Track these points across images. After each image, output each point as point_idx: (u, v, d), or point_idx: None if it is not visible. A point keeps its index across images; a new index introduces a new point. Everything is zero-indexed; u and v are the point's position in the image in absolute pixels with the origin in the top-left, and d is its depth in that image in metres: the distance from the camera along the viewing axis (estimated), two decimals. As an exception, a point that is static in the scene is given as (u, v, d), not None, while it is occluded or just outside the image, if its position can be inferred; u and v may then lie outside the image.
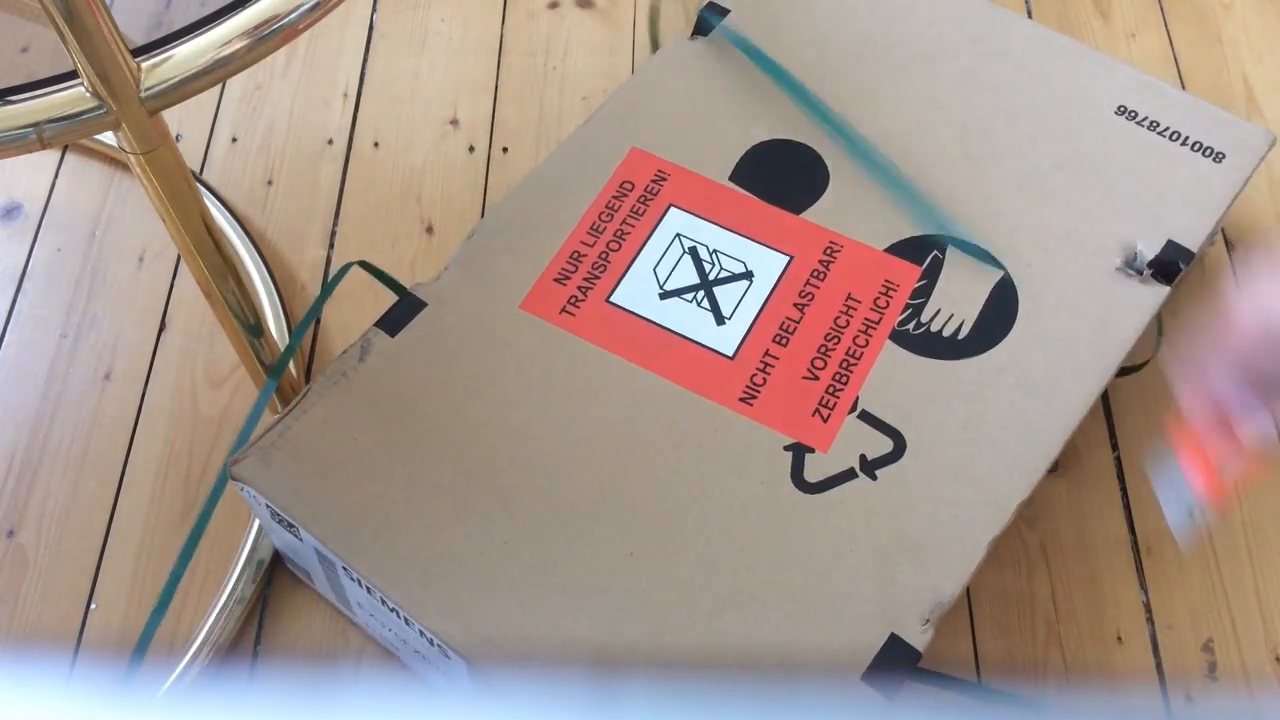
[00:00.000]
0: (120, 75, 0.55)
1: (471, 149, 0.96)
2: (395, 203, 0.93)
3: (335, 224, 0.93)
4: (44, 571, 0.78)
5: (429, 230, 0.92)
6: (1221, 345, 0.48)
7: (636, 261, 0.74)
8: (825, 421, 0.68)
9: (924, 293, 0.73)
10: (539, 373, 0.70)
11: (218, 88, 0.99)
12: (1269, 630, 0.75)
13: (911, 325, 0.72)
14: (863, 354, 0.71)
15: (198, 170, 0.96)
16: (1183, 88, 0.97)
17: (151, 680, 0.73)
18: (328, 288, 0.76)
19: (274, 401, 0.81)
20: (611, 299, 0.73)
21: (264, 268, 0.89)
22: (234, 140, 0.97)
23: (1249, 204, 0.91)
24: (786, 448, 0.68)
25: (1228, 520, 0.79)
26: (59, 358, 0.86)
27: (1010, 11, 0.85)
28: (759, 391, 0.69)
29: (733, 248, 0.75)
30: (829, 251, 0.74)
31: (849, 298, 0.73)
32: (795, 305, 0.72)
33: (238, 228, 0.91)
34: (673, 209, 0.76)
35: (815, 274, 0.74)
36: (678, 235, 0.75)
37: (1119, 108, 0.80)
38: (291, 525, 0.66)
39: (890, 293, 0.73)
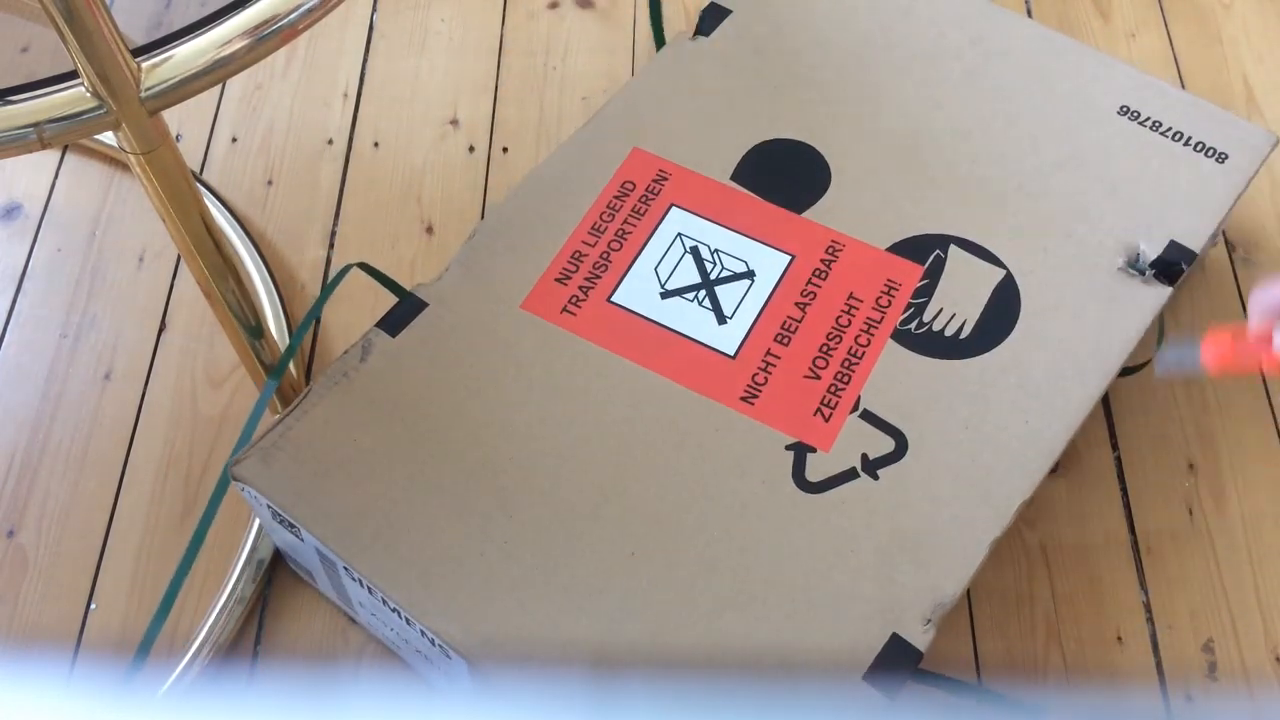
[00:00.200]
0: (120, 75, 0.55)
1: (471, 149, 0.96)
2: (395, 203, 0.93)
3: (335, 224, 0.93)
4: (44, 571, 0.78)
5: (429, 230, 0.92)
6: None
7: (638, 261, 0.74)
8: (827, 421, 0.68)
9: (926, 292, 0.73)
10: (540, 373, 0.70)
11: (218, 88, 0.99)
12: (1269, 630, 0.75)
13: (913, 325, 0.72)
14: (864, 353, 0.71)
15: (198, 170, 0.95)
16: (1183, 88, 0.97)
17: (151, 680, 0.73)
18: (328, 289, 0.76)
19: (274, 402, 0.81)
20: (613, 299, 0.73)
21: (264, 268, 0.89)
22: (234, 140, 0.97)
23: (1250, 205, 0.91)
24: (788, 447, 0.68)
25: (1225, 518, 0.79)
26: (59, 358, 0.86)
27: (1010, 11, 0.85)
28: (760, 391, 0.69)
29: (734, 247, 0.75)
30: (831, 251, 0.74)
31: (851, 297, 0.73)
32: (797, 305, 0.72)
33: (238, 228, 0.91)
34: (674, 209, 0.76)
35: (817, 273, 0.73)
36: (679, 235, 0.75)
37: (1121, 108, 0.80)
38: (293, 525, 0.66)
39: (892, 292, 0.73)
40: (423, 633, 0.63)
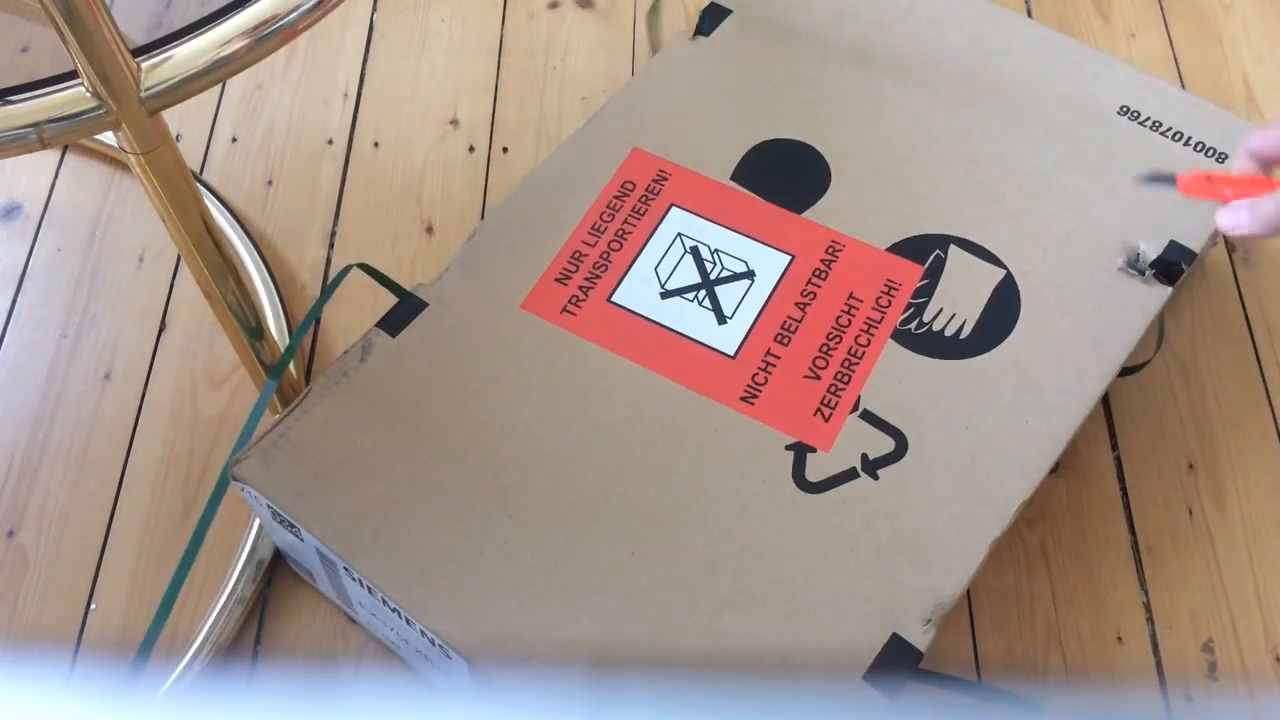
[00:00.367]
0: (120, 75, 0.55)
1: (471, 149, 0.96)
2: (395, 203, 0.93)
3: (335, 224, 0.93)
4: (44, 571, 0.78)
5: (429, 230, 0.92)
6: None
7: (638, 261, 0.74)
8: (827, 421, 0.68)
9: (926, 292, 0.73)
10: (540, 373, 0.70)
11: (218, 88, 0.99)
12: (1269, 630, 0.75)
13: (913, 325, 0.72)
14: (864, 353, 0.71)
15: (198, 170, 0.96)
16: (1183, 88, 0.97)
17: (151, 680, 0.73)
18: (328, 289, 0.76)
19: (274, 402, 0.81)
20: (613, 299, 0.73)
21: (264, 268, 0.89)
22: (234, 140, 0.97)
23: (1249, 204, 0.91)
24: (788, 447, 0.68)
25: (1225, 518, 0.79)
26: (59, 358, 0.86)
27: (1010, 11, 0.85)
28: (760, 391, 0.69)
29: (734, 247, 0.75)
30: (831, 251, 0.74)
31: (851, 297, 0.73)
32: (797, 305, 0.72)
33: (238, 228, 0.91)
34: (674, 209, 0.76)
35: (817, 273, 0.74)
36: (679, 235, 0.75)
37: (1121, 108, 0.80)
38: (293, 525, 0.66)
39: (892, 292, 0.73)
40: (423, 633, 0.63)
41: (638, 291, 0.73)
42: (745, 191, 0.77)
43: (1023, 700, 0.69)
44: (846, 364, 0.70)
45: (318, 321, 0.88)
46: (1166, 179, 0.67)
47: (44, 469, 0.82)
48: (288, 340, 0.85)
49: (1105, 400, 0.82)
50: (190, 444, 0.83)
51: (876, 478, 0.67)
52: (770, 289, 0.73)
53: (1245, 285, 0.88)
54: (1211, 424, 0.82)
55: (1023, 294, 0.73)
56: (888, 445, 0.68)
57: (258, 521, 0.78)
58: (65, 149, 0.96)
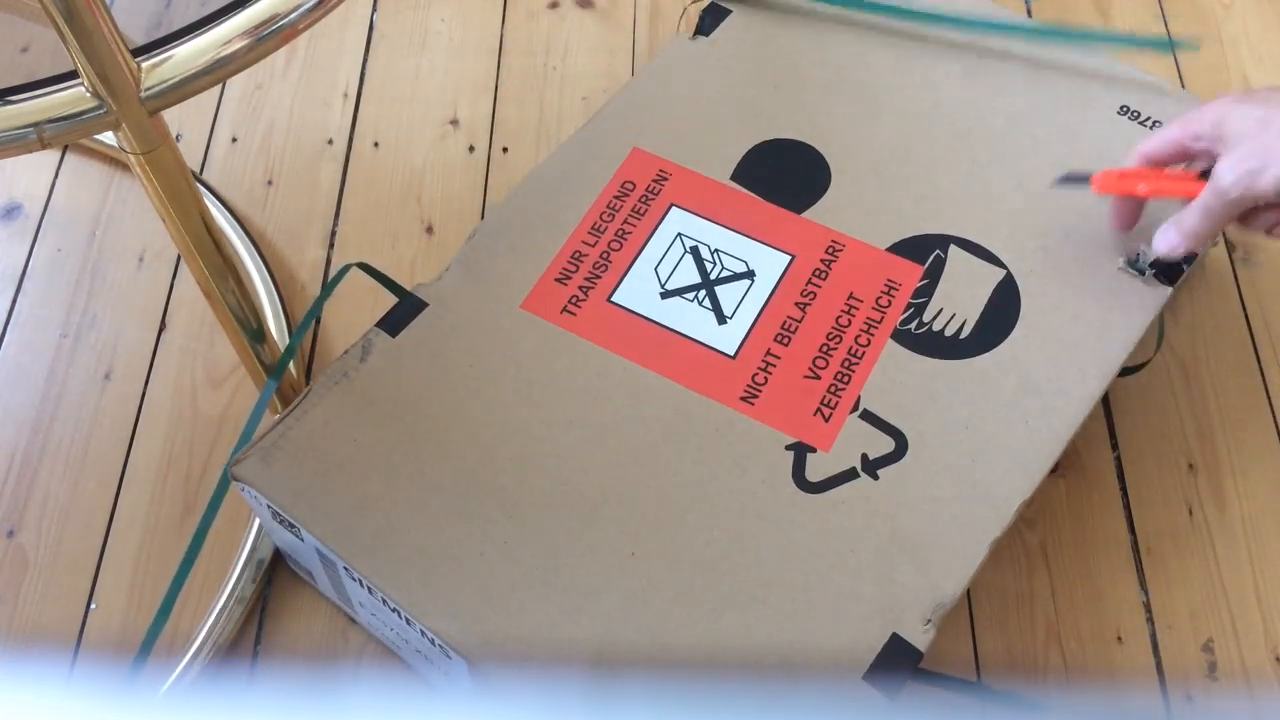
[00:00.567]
0: (120, 75, 0.55)
1: (471, 149, 0.96)
2: (395, 203, 0.93)
3: (335, 224, 0.93)
4: (44, 571, 0.78)
5: (429, 230, 0.92)
6: (1181, 118, 0.69)
7: (638, 261, 0.74)
8: (827, 421, 0.68)
9: (926, 292, 0.73)
10: (540, 373, 0.70)
11: (218, 88, 0.99)
12: (1269, 630, 0.75)
13: (913, 325, 0.72)
14: (864, 353, 0.71)
15: (198, 170, 0.96)
16: (1183, 87, 0.97)
17: (151, 680, 0.73)
18: (327, 289, 0.76)
19: (274, 402, 0.81)
20: (613, 299, 0.73)
21: (264, 268, 0.89)
22: (234, 140, 0.97)
23: (1249, 204, 0.91)
24: (788, 447, 0.68)
25: (1225, 518, 0.79)
26: (59, 358, 0.86)
27: (1010, 11, 0.85)
28: (760, 391, 0.69)
29: (734, 247, 0.75)
30: (831, 251, 0.74)
31: (851, 297, 0.73)
32: (797, 305, 0.72)
33: (238, 228, 0.91)
34: (674, 208, 0.76)
35: (817, 273, 0.74)
36: (679, 235, 0.75)
37: (1121, 108, 0.80)
38: (293, 525, 0.66)
39: (892, 292, 0.73)
40: (423, 633, 0.63)
41: (638, 291, 0.73)
42: (745, 191, 0.77)
43: (1023, 700, 0.69)
44: (846, 364, 0.70)
45: (318, 321, 0.88)
46: (1081, 180, 0.72)
47: (44, 469, 0.82)
48: (288, 340, 0.85)
49: (1105, 400, 0.82)
50: (190, 444, 0.83)
51: (876, 478, 0.67)
52: (770, 289, 0.73)
53: (1245, 285, 0.88)
54: (1211, 424, 0.82)
55: (1023, 294, 0.73)
56: (888, 445, 0.68)
57: (258, 521, 0.78)
58: (65, 149, 0.96)
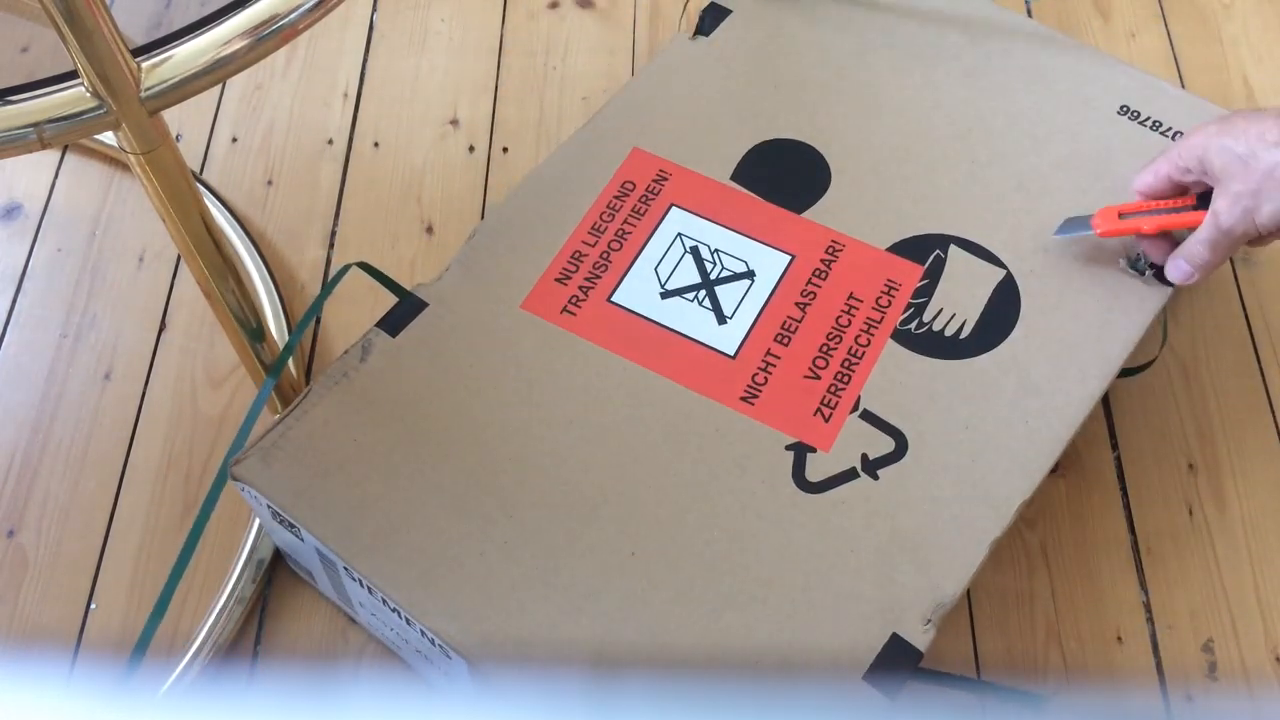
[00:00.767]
0: (120, 75, 0.55)
1: (471, 149, 0.96)
2: (395, 203, 0.93)
3: (335, 224, 0.93)
4: (44, 571, 0.78)
5: (429, 230, 0.92)
6: (1166, 152, 0.71)
7: (638, 261, 0.74)
8: (827, 421, 0.68)
9: (926, 292, 0.73)
10: (540, 373, 0.70)
11: (218, 88, 0.99)
12: (1269, 630, 0.75)
13: (913, 325, 0.72)
14: (864, 353, 0.71)
15: (198, 170, 0.96)
16: (1183, 88, 0.97)
17: (151, 680, 0.73)
18: (328, 287, 0.76)
19: (274, 402, 0.81)
20: (613, 299, 0.73)
21: (264, 268, 0.89)
22: (234, 140, 0.97)
23: (1249, 204, 0.90)
24: (788, 447, 0.68)
25: (1225, 518, 0.79)
26: (59, 358, 0.86)
27: (1010, 11, 0.85)
28: (760, 391, 0.69)
29: (734, 247, 0.75)
30: (831, 251, 0.74)
31: (851, 297, 0.73)
32: (797, 305, 0.72)
33: (238, 228, 0.91)
34: (674, 209, 0.76)
35: (817, 273, 0.74)
36: (679, 235, 0.75)
37: (1121, 108, 0.80)
38: (293, 525, 0.66)
39: (892, 292, 0.73)
40: (423, 633, 0.63)
41: (638, 291, 0.73)
42: (745, 191, 0.77)
43: (1026, 696, 0.69)
44: (846, 364, 0.70)
45: (318, 321, 0.88)
46: (1081, 224, 0.74)
47: (44, 469, 0.82)
48: (287, 340, 0.85)
49: (1105, 400, 0.82)
50: (190, 444, 0.83)
51: (876, 478, 0.67)
52: (770, 289, 0.73)
53: (1245, 285, 0.88)
54: (1211, 424, 0.82)
55: (1023, 294, 0.73)
56: (888, 445, 0.68)
57: (258, 521, 0.78)
58: (65, 149, 0.96)
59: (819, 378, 0.70)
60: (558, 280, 0.73)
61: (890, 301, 0.72)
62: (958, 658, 0.74)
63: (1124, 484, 0.81)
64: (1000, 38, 0.83)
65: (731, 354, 0.71)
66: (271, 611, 0.77)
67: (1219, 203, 0.67)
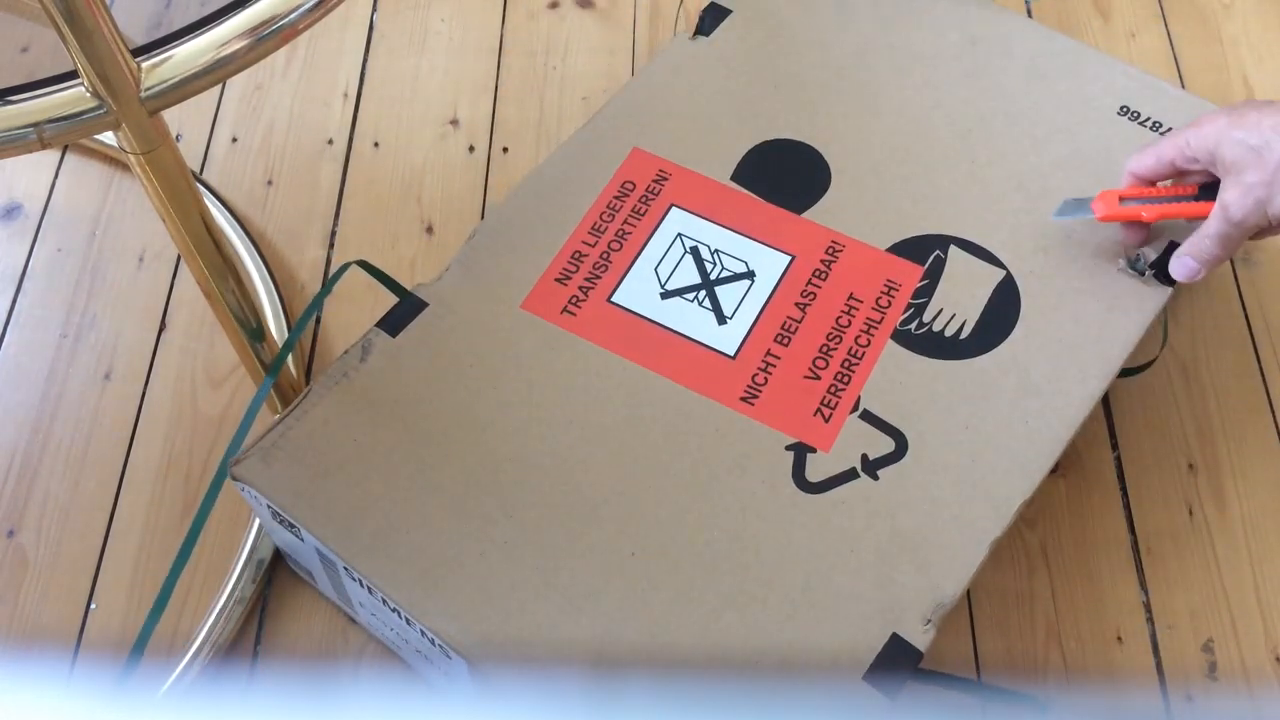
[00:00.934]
0: (120, 75, 0.55)
1: (471, 149, 0.96)
2: (395, 203, 0.93)
3: (335, 224, 0.93)
4: (44, 571, 0.78)
5: (429, 230, 0.92)
6: (1172, 138, 0.70)
7: (638, 261, 0.74)
8: (827, 421, 0.68)
9: (926, 292, 0.73)
10: (540, 373, 0.70)
11: (218, 88, 0.99)
12: (1269, 630, 0.75)
13: (913, 325, 0.72)
14: (864, 354, 0.71)
15: (198, 170, 0.96)
16: (1183, 88, 0.97)
17: (151, 680, 0.73)
18: (328, 285, 0.76)
19: (274, 402, 0.81)
20: (613, 299, 0.73)
21: (264, 268, 0.89)
22: (234, 140, 0.97)
23: (1249, 204, 0.90)
24: (788, 447, 0.68)
25: (1225, 518, 0.79)
26: (59, 358, 0.86)
27: (1011, 11, 0.85)
28: (760, 391, 0.69)
29: (734, 247, 0.75)
30: (831, 251, 0.74)
31: (851, 297, 0.73)
32: (797, 305, 0.72)
33: (238, 228, 0.91)
34: (674, 209, 0.76)
35: (817, 274, 0.74)
36: (679, 235, 0.75)
37: (1121, 108, 0.80)
38: (293, 525, 0.66)
39: (892, 292, 0.73)
40: (423, 633, 0.63)
41: (638, 291, 0.73)
42: (745, 192, 0.77)
43: (1026, 698, 0.69)
44: (846, 364, 0.70)
45: (317, 321, 0.88)
46: (1081, 206, 0.73)
47: (44, 469, 0.82)
48: (287, 338, 0.85)
49: (1105, 400, 0.82)
50: (190, 444, 0.83)
51: (876, 478, 0.67)
52: (770, 289, 0.73)
53: (1245, 285, 0.88)
54: (1211, 424, 0.82)
55: (1023, 294, 0.73)
56: (888, 445, 0.68)
57: (258, 521, 0.78)
58: (65, 149, 0.96)
59: (819, 378, 0.70)
60: (558, 280, 0.73)
61: (890, 302, 0.72)
62: (958, 658, 0.75)
63: (1124, 484, 0.81)
64: (1000, 38, 0.83)
65: (731, 354, 0.71)
66: (271, 611, 0.77)
67: (1229, 194, 0.67)
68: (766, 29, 0.84)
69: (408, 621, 0.64)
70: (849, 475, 0.67)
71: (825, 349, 0.71)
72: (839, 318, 0.72)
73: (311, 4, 0.59)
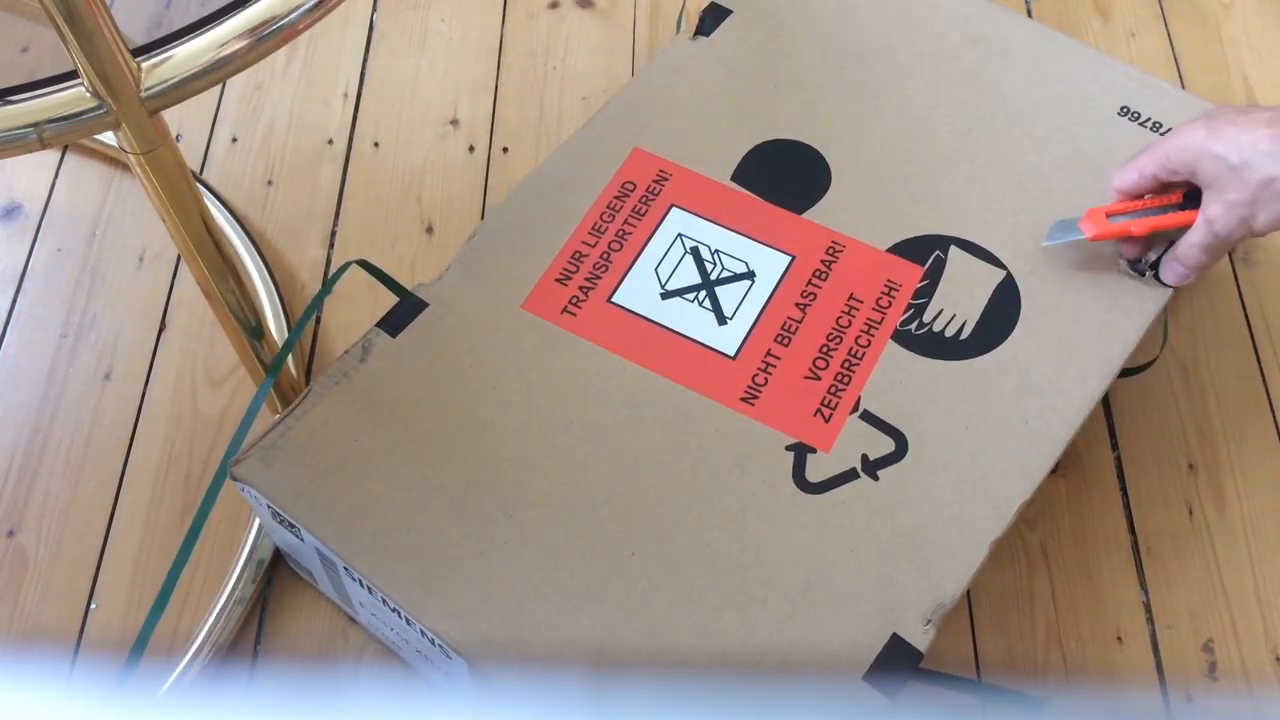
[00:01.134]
0: (120, 75, 0.55)
1: (471, 149, 0.96)
2: (395, 203, 0.93)
3: (335, 224, 0.93)
4: (44, 571, 0.78)
5: (429, 230, 0.92)
6: (1152, 152, 0.71)
7: (638, 261, 0.74)
8: (827, 421, 0.68)
9: (926, 293, 0.73)
10: (540, 373, 0.70)
11: (218, 88, 0.99)
12: (1269, 630, 0.75)
13: (914, 325, 0.72)
14: (865, 354, 0.71)
15: (198, 170, 0.96)
16: (1183, 88, 0.97)
17: (151, 680, 0.73)
18: (328, 285, 0.76)
19: (274, 402, 0.81)
20: (613, 299, 0.73)
21: (264, 268, 0.89)
22: (234, 140, 0.97)
23: (1249, 204, 0.90)
24: (788, 448, 0.68)
25: (1225, 518, 0.79)
26: (59, 358, 0.86)
27: (1011, 11, 0.85)
28: (760, 391, 0.69)
29: (734, 248, 0.75)
30: (831, 251, 0.74)
31: (851, 298, 0.73)
32: (797, 305, 0.72)
33: (238, 228, 0.91)
34: (674, 209, 0.76)
35: (817, 274, 0.74)
36: (679, 235, 0.75)
37: (1121, 108, 0.80)
38: (293, 525, 0.66)
39: (892, 293, 0.73)
40: (423, 633, 0.63)
41: (638, 292, 0.73)
42: (745, 192, 0.77)
43: (1026, 698, 0.69)
44: (847, 364, 0.70)
45: (317, 321, 0.88)
46: (1069, 228, 0.73)
47: (44, 469, 0.82)
48: (287, 338, 0.85)
49: (1105, 400, 0.82)
50: (190, 444, 0.83)
51: (876, 478, 0.67)
52: (770, 289, 0.73)
53: (1245, 285, 0.88)
54: (1211, 424, 0.82)
55: (1023, 294, 0.73)
56: (888, 446, 0.68)
57: (258, 521, 0.78)
58: (65, 149, 0.96)
59: (819, 378, 0.70)
60: (558, 280, 0.73)
61: (890, 302, 0.72)
62: (958, 658, 0.75)
63: (1124, 484, 0.81)
64: (1000, 38, 0.83)
65: (732, 354, 0.71)
66: (271, 611, 0.77)
67: (1212, 209, 0.67)
68: (766, 29, 0.84)
69: (408, 621, 0.64)
70: (849, 475, 0.67)
71: (825, 349, 0.71)
72: (839, 318, 0.72)
73: (311, 4, 0.59)
